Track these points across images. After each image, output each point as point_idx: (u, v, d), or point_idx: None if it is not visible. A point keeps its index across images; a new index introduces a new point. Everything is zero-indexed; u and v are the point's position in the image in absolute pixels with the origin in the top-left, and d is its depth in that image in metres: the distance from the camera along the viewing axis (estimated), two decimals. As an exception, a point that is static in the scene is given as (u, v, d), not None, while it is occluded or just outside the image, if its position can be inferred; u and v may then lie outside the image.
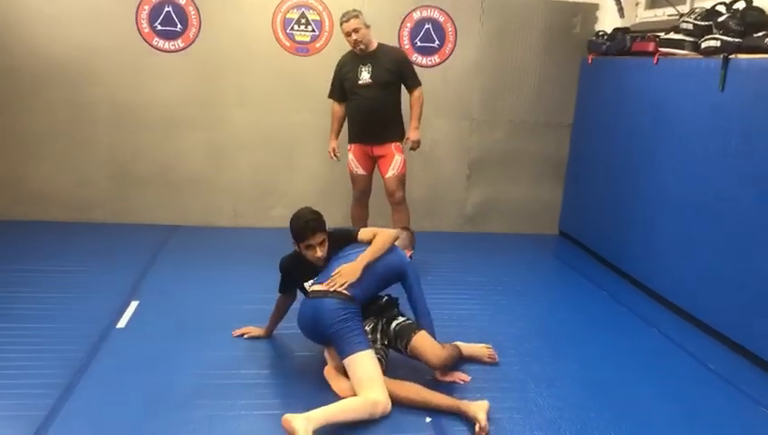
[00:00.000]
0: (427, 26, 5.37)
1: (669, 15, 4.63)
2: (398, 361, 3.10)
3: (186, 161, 5.37)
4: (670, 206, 4.19)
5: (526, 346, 3.51)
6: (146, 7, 5.05)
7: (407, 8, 5.34)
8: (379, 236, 3.12)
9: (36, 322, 3.46)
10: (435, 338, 3.04)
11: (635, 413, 2.91)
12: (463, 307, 3.99)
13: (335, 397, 2.80)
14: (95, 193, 5.33)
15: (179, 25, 5.12)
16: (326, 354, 3.05)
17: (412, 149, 4.64)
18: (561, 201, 5.83)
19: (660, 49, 4.25)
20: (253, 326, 3.46)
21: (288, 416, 2.47)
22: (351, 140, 4.60)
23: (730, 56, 3.61)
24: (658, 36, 4.32)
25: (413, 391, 2.82)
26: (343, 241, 3.17)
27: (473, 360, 3.26)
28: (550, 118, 5.64)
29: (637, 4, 5.17)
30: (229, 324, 3.50)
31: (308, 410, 2.52)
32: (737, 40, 3.56)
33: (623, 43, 4.79)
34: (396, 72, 4.45)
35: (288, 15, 5.20)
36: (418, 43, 5.39)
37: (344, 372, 2.87)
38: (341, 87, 4.53)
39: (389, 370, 2.97)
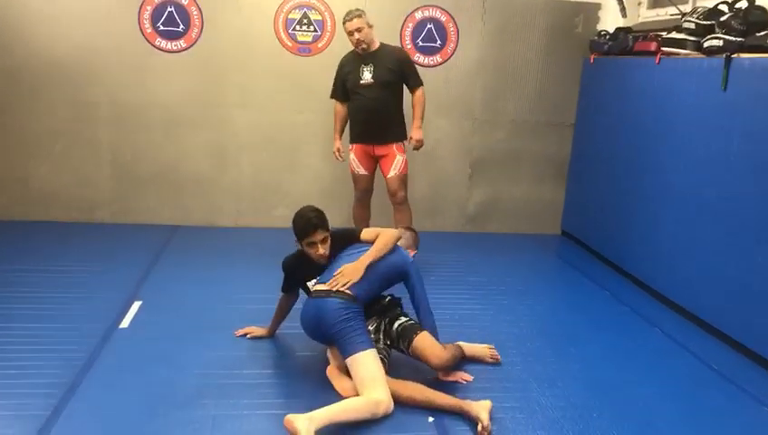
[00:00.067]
0: (428, 26, 5.36)
1: (671, 15, 4.63)
2: (400, 360, 3.10)
3: (188, 161, 5.37)
4: (672, 205, 4.18)
5: (528, 346, 3.51)
6: (148, 8, 5.06)
7: (408, 8, 5.33)
8: (381, 236, 3.12)
9: (38, 322, 3.46)
10: (437, 338, 3.04)
11: (637, 413, 2.90)
12: (465, 307, 3.99)
13: (338, 397, 2.80)
14: (96, 193, 5.33)
15: (182, 26, 5.12)
16: (329, 354, 3.05)
17: (415, 148, 4.62)
18: (563, 201, 5.82)
19: (662, 48, 4.25)
20: (255, 326, 3.46)
21: (290, 416, 2.47)
22: (353, 140, 4.60)
23: (732, 56, 3.61)
24: (661, 36, 4.32)
25: (416, 390, 2.82)
26: (346, 241, 3.18)
27: (475, 360, 3.26)
28: (552, 117, 5.63)
29: (639, 4, 5.17)
30: (231, 324, 3.50)
31: (310, 410, 2.52)
32: (740, 39, 3.56)
33: (625, 42, 4.79)
34: (398, 72, 4.44)
35: (290, 16, 5.20)
36: (420, 43, 5.39)
37: (347, 372, 2.87)
38: (343, 87, 4.52)
39: (392, 369, 2.97)
